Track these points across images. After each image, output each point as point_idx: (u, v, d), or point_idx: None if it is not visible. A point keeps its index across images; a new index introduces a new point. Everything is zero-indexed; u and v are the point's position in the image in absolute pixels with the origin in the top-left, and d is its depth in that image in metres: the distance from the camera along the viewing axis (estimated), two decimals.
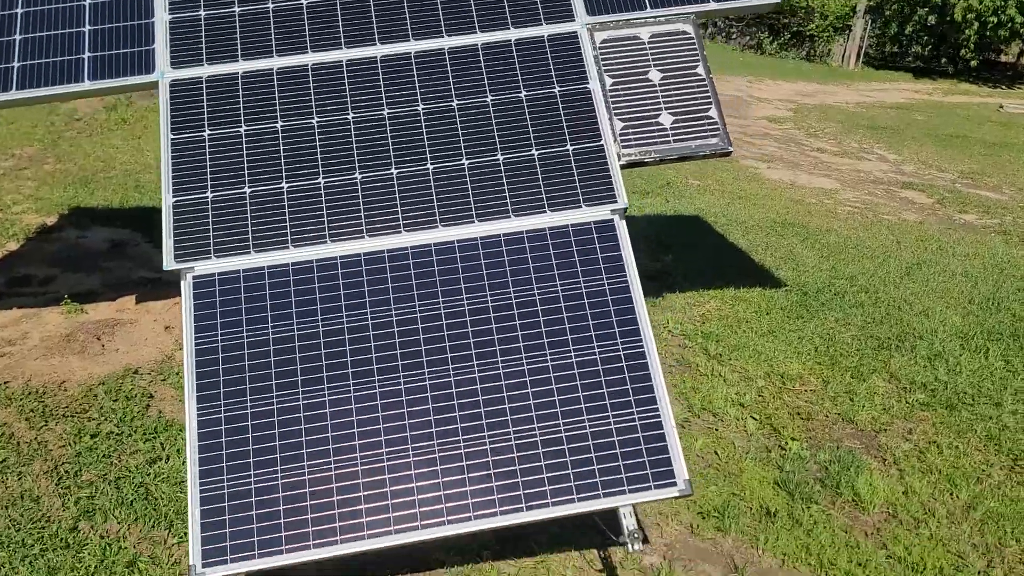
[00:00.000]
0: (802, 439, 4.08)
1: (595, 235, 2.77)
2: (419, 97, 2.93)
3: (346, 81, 2.92)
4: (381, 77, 2.93)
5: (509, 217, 2.78)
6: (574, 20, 3.02)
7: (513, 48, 2.95)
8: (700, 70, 3.03)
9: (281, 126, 2.85)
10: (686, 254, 6.47)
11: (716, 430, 4.10)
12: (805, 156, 11.35)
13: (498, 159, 2.86)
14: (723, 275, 6.08)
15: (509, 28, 2.98)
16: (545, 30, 3.00)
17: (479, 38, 2.96)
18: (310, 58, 2.92)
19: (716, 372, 4.63)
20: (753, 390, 4.47)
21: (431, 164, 2.83)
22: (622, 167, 2.91)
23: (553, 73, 2.98)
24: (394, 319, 2.60)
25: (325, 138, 2.85)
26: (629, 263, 2.73)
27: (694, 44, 3.02)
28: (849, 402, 4.43)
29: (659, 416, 2.54)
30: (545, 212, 2.80)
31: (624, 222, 2.80)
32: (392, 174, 2.81)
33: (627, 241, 2.76)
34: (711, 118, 2.97)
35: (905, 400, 4.50)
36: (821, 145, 12.22)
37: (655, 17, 3.05)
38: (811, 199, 8.87)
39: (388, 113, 2.90)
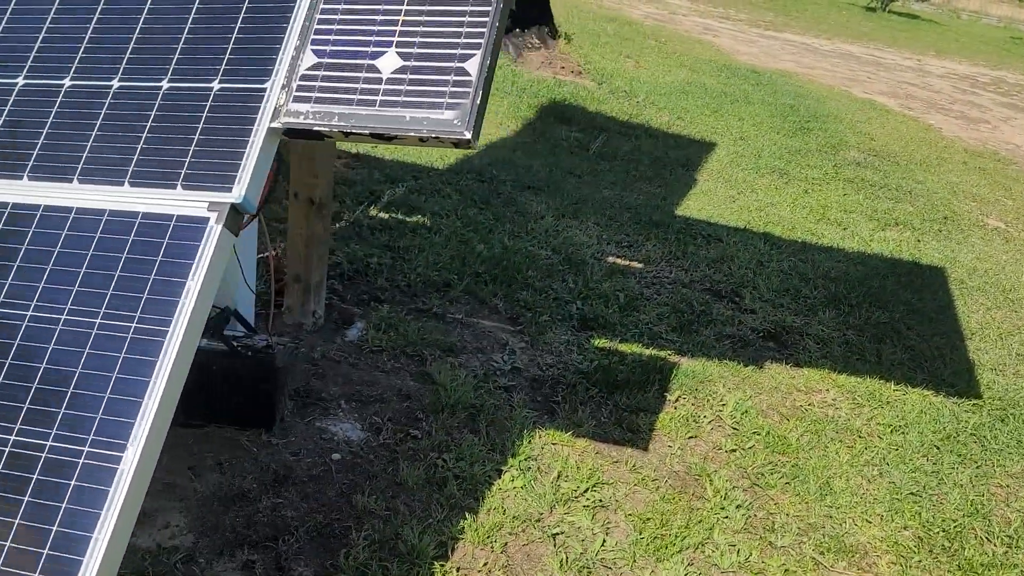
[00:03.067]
0: None
1: (165, 240, 1.57)
2: None
3: None
4: None
5: (71, 181, 1.68)
6: None
7: None
8: None
9: None
10: (858, 315, 4.56)
11: None
12: None
13: (110, 85, 1.75)
14: (886, 359, 4.15)
15: None
16: None
17: None
18: None
19: (724, 505, 2.99)
20: (756, 551, 2.80)
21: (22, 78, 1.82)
22: (283, 133, 1.64)
23: None
24: None
25: None
26: (188, 302, 1.50)
27: None
28: None
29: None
30: (122, 184, 1.65)
31: (223, 228, 1.55)
32: None
33: (207, 263, 1.52)
34: (465, 74, 1.56)
35: None
36: None
37: None
38: None
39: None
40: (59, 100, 1.78)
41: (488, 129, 6.79)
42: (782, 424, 3.53)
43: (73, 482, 1.41)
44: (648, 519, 2.88)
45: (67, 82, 1.80)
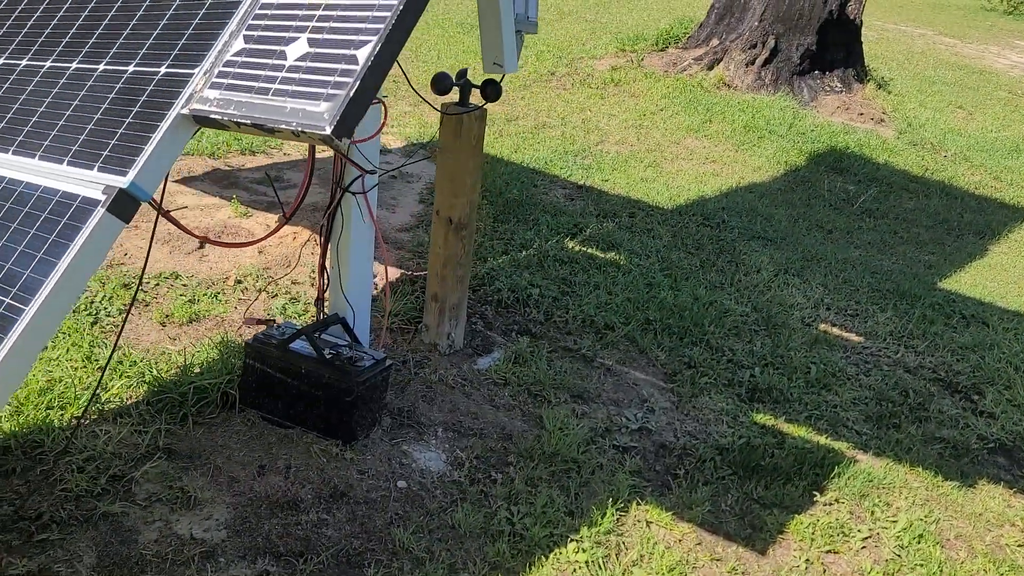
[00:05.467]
0: None
1: (63, 220, 1.52)
2: None
3: None
4: None
5: (34, 157, 1.71)
6: None
7: None
8: None
9: None
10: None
11: None
12: None
13: (95, 68, 1.77)
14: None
15: None
16: None
17: None
18: None
19: None
20: None
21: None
22: (195, 118, 1.52)
23: None
24: None
25: None
26: (53, 280, 1.44)
27: None
28: None
29: None
30: (63, 163, 1.64)
31: (106, 212, 1.48)
32: None
33: (81, 244, 1.45)
34: (353, 63, 1.33)
35: None
36: None
37: None
38: None
39: None
40: (35, 80, 1.85)
41: (740, 172, 6.26)
42: (967, 563, 2.73)
43: None
44: None
45: (47, 64, 1.86)
